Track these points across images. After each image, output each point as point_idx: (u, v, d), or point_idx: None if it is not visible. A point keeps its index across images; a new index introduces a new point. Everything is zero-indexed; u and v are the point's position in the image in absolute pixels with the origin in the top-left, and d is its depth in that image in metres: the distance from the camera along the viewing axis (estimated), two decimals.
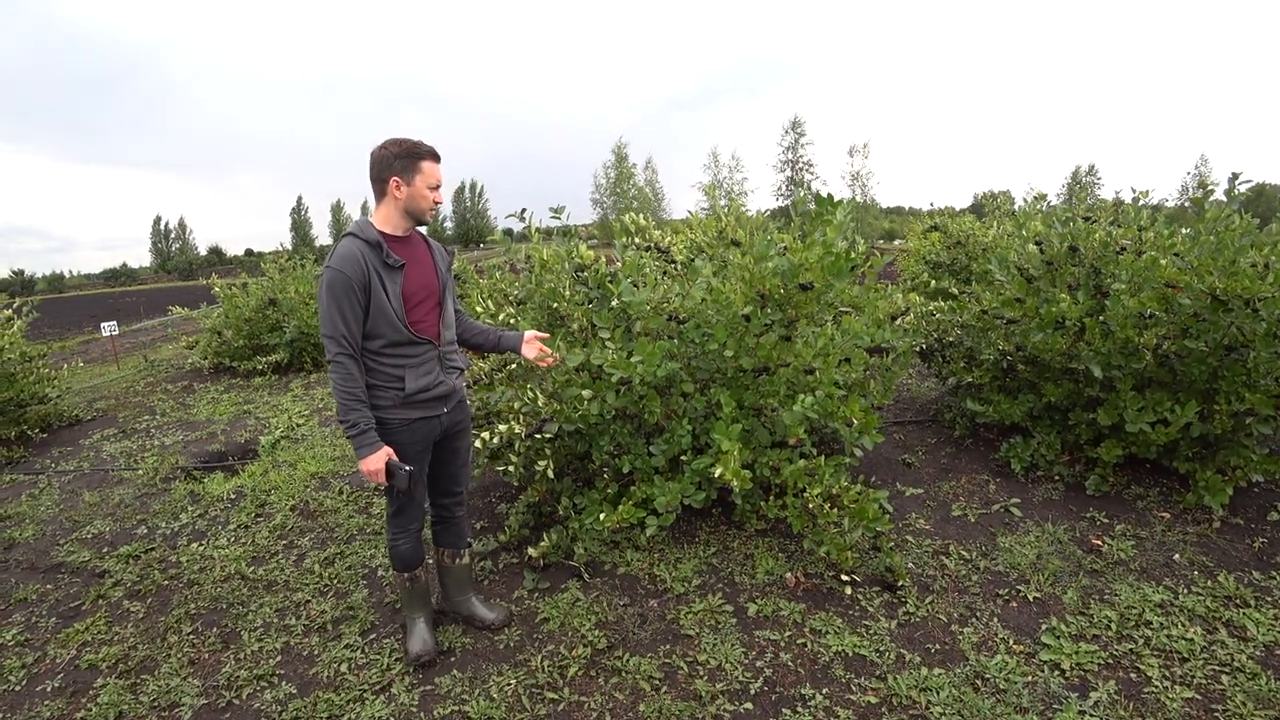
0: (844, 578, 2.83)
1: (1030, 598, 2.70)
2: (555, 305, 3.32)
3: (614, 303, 2.97)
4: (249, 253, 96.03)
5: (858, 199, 45.84)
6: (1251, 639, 2.37)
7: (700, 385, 3.15)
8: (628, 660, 2.49)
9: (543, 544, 3.08)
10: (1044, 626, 2.52)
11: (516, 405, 3.14)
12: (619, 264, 3.15)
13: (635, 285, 2.99)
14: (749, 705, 2.24)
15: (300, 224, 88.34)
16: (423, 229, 2.42)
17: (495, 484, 4.18)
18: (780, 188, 51.44)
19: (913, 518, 3.42)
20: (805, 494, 2.81)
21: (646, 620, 2.73)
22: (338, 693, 2.44)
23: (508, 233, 3.54)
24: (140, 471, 4.99)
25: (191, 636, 2.88)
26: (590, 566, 3.11)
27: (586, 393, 2.87)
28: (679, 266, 3.85)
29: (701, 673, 2.40)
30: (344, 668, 2.58)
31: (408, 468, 2.22)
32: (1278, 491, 3.41)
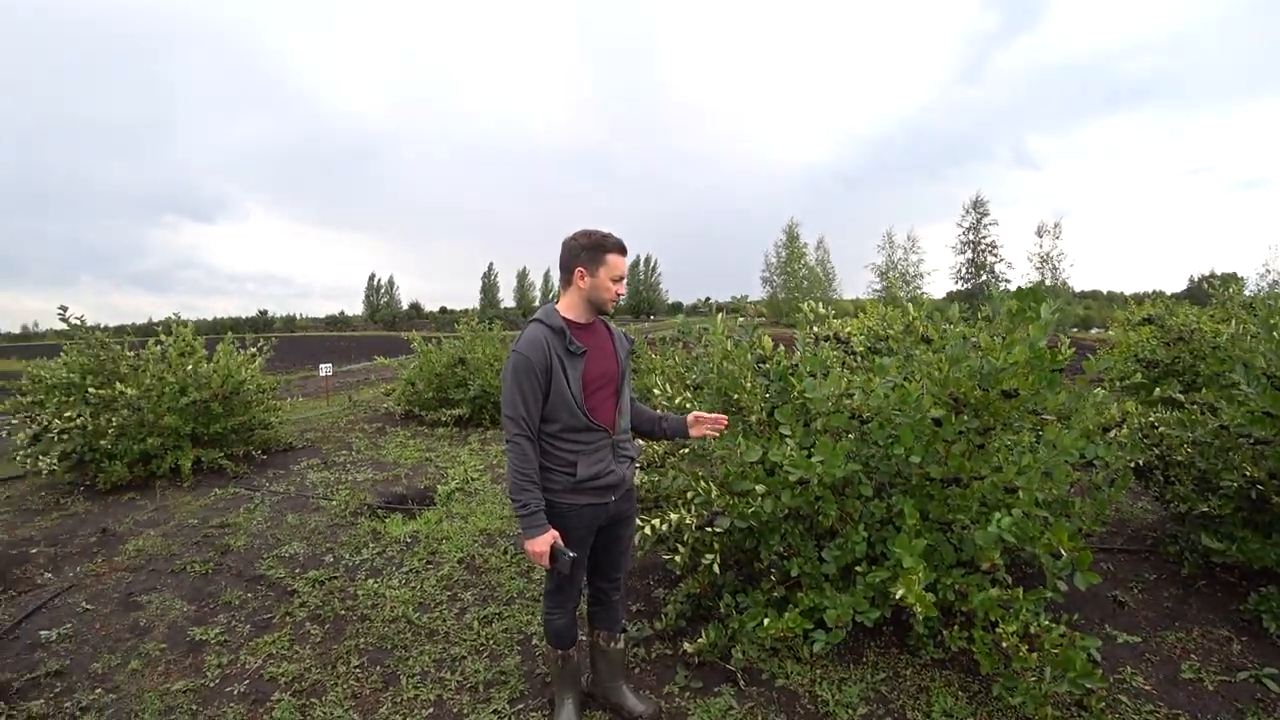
0: None
1: None
2: (735, 396, 3.27)
3: (794, 396, 2.86)
4: (443, 310, 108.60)
5: (1047, 282, 41.59)
6: None
7: (877, 488, 2.92)
8: None
9: (700, 640, 2.94)
10: None
11: (689, 495, 3.08)
12: (798, 353, 3.06)
13: (815, 378, 2.87)
14: None
15: (489, 287, 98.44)
16: (604, 316, 2.49)
17: (655, 566, 4.08)
18: (959, 269, 48.02)
19: (1127, 673, 2.86)
20: (998, 629, 2.45)
21: None
22: None
23: (676, 306, 3.59)
24: (334, 502, 5.56)
25: (357, 670, 3.07)
26: (747, 673, 2.92)
27: (760, 488, 2.76)
28: (859, 358, 3.66)
29: None
30: None
31: (571, 554, 2.22)
32: None
